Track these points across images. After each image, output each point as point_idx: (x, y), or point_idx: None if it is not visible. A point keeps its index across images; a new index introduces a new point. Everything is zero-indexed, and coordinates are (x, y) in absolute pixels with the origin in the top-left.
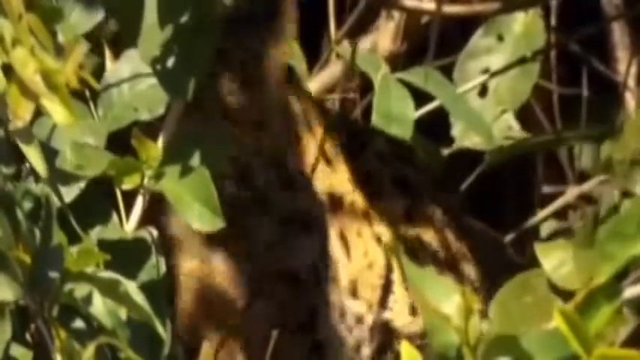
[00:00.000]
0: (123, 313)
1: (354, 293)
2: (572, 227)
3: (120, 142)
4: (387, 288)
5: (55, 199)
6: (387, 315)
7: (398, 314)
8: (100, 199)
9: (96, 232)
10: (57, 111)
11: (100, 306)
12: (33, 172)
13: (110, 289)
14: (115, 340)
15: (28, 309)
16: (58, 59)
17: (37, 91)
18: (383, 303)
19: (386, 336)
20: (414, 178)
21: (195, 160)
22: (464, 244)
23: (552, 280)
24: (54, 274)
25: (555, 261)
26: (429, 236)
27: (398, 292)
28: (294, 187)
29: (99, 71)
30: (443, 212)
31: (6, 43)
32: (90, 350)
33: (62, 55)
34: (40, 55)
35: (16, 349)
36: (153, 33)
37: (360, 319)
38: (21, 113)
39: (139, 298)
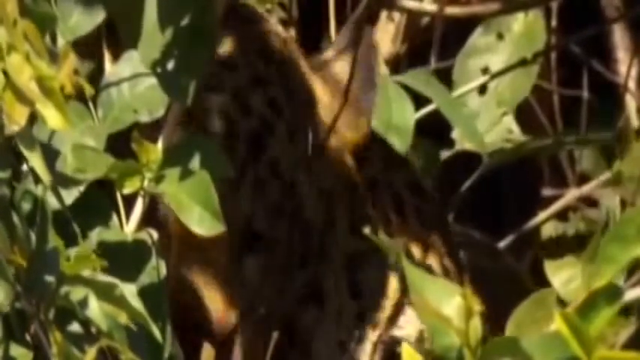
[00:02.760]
0: (123, 316)
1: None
2: (571, 231)
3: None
4: (398, 309)
5: (52, 202)
6: (395, 332)
7: (409, 335)
8: (100, 201)
9: (96, 234)
10: (51, 116)
11: (95, 309)
12: (32, 172)
13: (106, 293)
14: (113, 342)
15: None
16: (53, 65)
17: (31, 96)
18: (392, 321)
19: (391, 352)
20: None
21: (195, 163)
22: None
23: (561, 295)
24: (50, 278)
25: (564, 277)
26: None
27: (410, 314)
28: None
29: (98, 73)
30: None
31: (1, 50)
32: (91, 353)
33: (57, 61)
34: (34, 61)
35: (16, 349)
36: (153, 35)
37: (361, 338)
38: (16, 118)
39: (134, 301)
